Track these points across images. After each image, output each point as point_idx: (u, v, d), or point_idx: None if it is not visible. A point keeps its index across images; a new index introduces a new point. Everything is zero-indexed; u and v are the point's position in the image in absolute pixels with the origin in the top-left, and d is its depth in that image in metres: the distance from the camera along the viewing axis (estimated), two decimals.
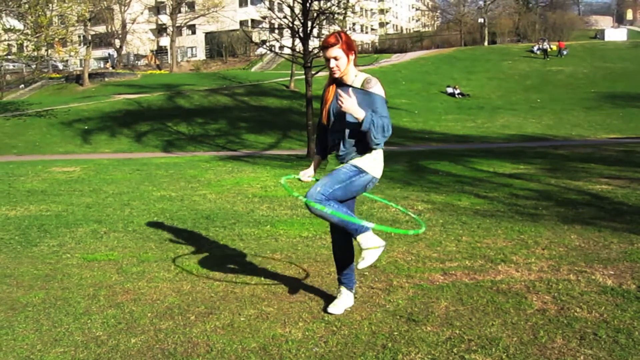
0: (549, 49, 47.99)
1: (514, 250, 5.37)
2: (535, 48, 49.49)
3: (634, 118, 26.73)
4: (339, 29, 27.53)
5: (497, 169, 11.36)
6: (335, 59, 3.68)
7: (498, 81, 40.29)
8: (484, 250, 5.39)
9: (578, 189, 8.60)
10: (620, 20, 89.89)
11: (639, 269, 4.68)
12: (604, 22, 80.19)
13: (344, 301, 3.97)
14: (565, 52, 47.81)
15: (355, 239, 3.75)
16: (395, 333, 3.56)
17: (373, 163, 3.74)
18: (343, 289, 4.01)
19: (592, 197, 7.95)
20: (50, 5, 28.54)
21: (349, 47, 3.69)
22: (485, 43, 62.82)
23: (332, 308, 3.90)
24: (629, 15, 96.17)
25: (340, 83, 3.79)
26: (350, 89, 3.69)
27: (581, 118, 27.60)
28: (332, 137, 3.86)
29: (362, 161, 3.72)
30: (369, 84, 3.71)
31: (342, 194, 3.67)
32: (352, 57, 3.72)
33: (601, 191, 8.34)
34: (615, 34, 59.89)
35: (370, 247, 3.68)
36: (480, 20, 66.12)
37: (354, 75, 3.77)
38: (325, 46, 3.70)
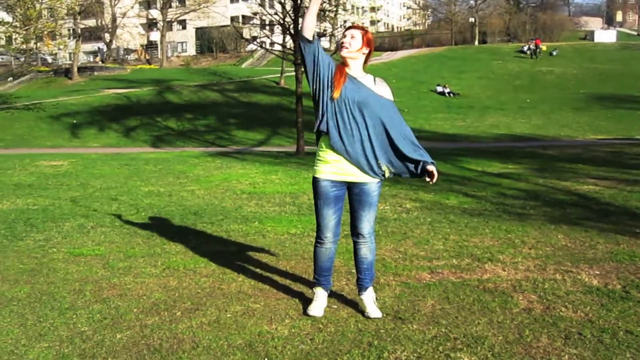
0: (538, 50, 48.17)
1: (501, 249, 5.39)
2: (525, 48, 49.66)
3: (622, 119, 26.88)
4: (330, 26, 27.52)
5: (485, 169, 11.40)
6: (352, 37, 3.71)
7: (488, 81, 40.38)
8: (471, 249, 5.40)
9: (566, 189, 8.64)
10: (610, 21, 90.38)
11: (624, 269, 4.71)
12: (594, 24, 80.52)
13: (322, 302, 3.91)
14: (539, 49, 47.97)
15: (366, 288, 3.90)
16: (382, 331, 3.56)
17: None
18: (321, 290, 3.94)
19: (579, 198, 7.99)
20: None
21: (368, 41, 3.73)
22: (476, 42, 62.96)
23: (313, 311, 3.83)
24: (619, 17, 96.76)
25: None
26: (358, 81, 3.70)
27: (570, 118, 27.72)
28: (348, 132, 3.65)
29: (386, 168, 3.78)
30: (382, 82, 3.81)
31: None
32: (365, 49, 3.73)
33: (588, 192, 8.39)
34: (605, 36, 60.15)
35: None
36: (471, 19, 66.24)
37: (362, 73, 3.78)
38: (349, 27, 3.79)
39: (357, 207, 3.80)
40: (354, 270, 4.75)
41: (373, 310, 3.81)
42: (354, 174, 3.72)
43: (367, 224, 3.81)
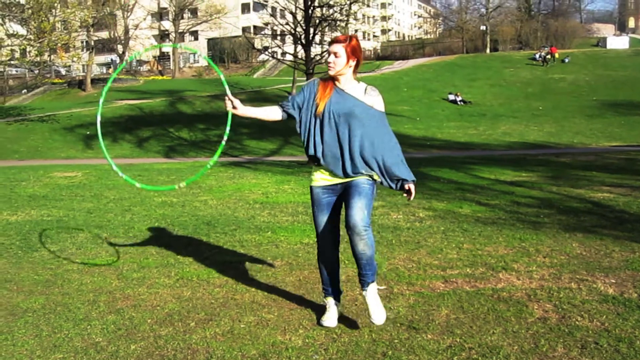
0: (549, 57, 48.06)
1: (515, 258, 5.36)
2: (537, 55, 49.54)
3: (635, 126, 26.71)
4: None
5: (498, 177, 11.35)
6: (336, 55, 3.66)
7: (500, 88, 40.29)
8: (485, 258, 5.38)
9: (580, 197, 8.59)
10: (622, 28, 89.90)
11: None
12: (606, 30, 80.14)
13: (335, 313, 3.88)
14: (551, 57, 47.91)
15: (369, 284, 3.72)
16: (396, 341, 3.55)
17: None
18: (332, 300, 3.92)
19: (593, 205, 7.94)
20: (53, 11, 28.64)
21: (354, 51, 3.67)
22: (487, 50, 62.88)
23: (326, 322, 3.82)
24: (631, 23, 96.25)
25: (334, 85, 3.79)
26: (344, 93, 3.72)
27: (583, 126, 27.59)
28: (330, 143, 3.70)
29: (371, 172, 3.71)
30: (374, 91, 3.76)
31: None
32: (352, 62, 3.69)
33: (603, 199, 8.33)
34: (618, 42, 59.87)
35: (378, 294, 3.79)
36: (482, 27, 66.19)
37: (351, 83, 3.75)
38: (332, 41, 3.74)
39: (348, 198, 3.64)
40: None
41: (376, 311, 3.66)
42: (342, 177, 3.72)
43: (359, 212, 3.55)
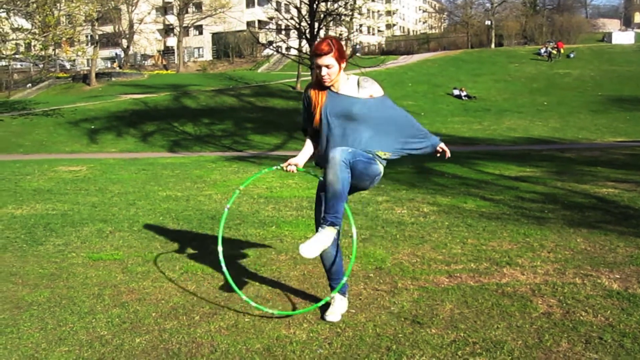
0: (554, 52, 47.95)
1: (520, 253, 5.36)
2: (542, 50, 49.42)
3: None
4: (345, 30, 27.52)
5: (503, 172, 11.33)
6: (328, 67, 3.61)
7: (504, 83, 40.22)
8: (490, 253, 5.37)
9: (584, 192, 8.57)
10: (628, 23, 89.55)
11: None
12: (612, 25, 79.85)
13: (340, 307, 3.89)
14: (555, 51, 47.83)
15: (324, 226, 3.56)
16: (400, 335, 3.55)
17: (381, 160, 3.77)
18: (337, 294, 3.92)
19: (598, 201, 7.92)
20: (58, 4, 28.65)
21: (341, 55, 3.64)
22: (492, 45, 62.73)
23: (330, 316, 3.81)
24: (637, 18, 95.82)
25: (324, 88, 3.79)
26: (338, 94, 3.73)
27: (588, 121, 27.53)
28: (333, 147, 3.68)
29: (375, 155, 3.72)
30: (366, 82, 3.76)
31: (359, 170, 3.57)
32: (343, 65, 3.68)
33: (607, 195, 8.31)
34: (623, 37, 59.69)
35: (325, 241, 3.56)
36: (487, 22, 66.06)
37: (343, 82, 3.75)
38: (317, 54, 3.60)
39: None
40: (371, 275, 4.77)
41: (310, 244, 3.52)
42: None
43: (345, 149, 3.53)
